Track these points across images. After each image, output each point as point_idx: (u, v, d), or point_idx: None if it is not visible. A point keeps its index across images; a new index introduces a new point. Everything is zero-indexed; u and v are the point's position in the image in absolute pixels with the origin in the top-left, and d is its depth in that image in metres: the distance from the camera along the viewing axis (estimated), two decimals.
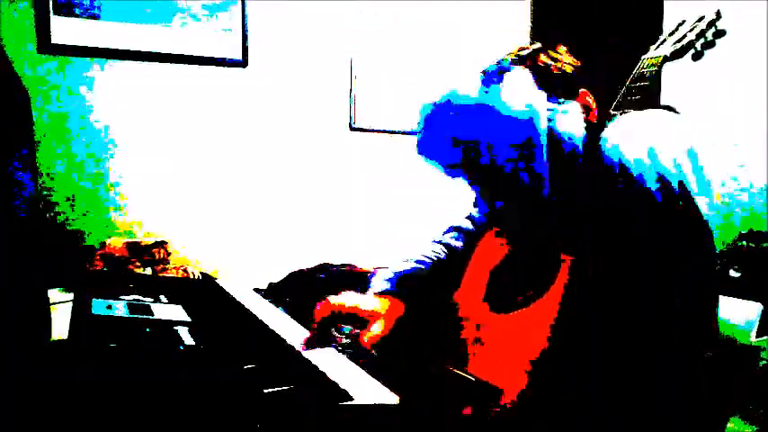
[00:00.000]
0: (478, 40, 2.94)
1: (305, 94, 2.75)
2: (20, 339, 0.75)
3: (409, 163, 2.88)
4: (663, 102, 1.02)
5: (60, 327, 0.97)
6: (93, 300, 1.02)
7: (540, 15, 3.02)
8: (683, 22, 1.08)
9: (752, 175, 2.52)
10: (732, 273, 2.22)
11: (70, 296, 1.16)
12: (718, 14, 1.05)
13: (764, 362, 1.68)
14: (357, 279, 1.26)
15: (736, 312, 1.59)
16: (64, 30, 2.36)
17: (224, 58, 2.59)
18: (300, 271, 2.55)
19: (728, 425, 1.14)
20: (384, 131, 2.86)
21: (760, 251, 2.29)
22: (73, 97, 2.41)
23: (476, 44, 2.93)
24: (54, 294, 1.25)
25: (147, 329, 0.89)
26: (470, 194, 1.21)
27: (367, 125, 2.84)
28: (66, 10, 2.36)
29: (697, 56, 1.05)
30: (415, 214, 2.87)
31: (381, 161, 2.87)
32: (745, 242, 2.33)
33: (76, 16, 2.37)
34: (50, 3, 2.33)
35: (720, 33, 1.02)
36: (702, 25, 1.05)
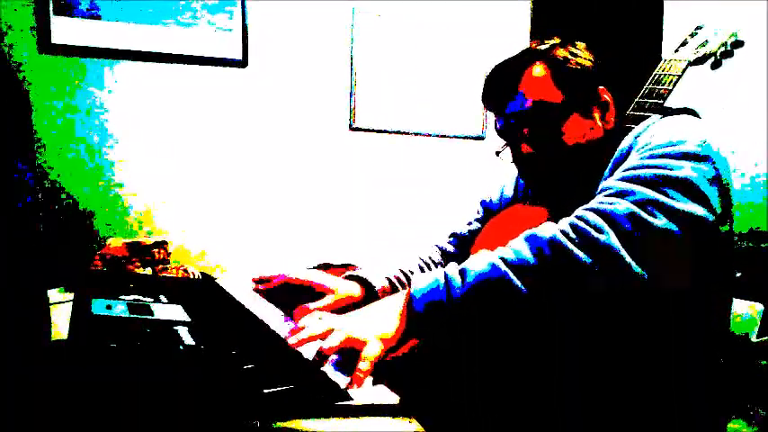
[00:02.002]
0: (479, 40, 2.94)
1: (305, 94, 2.75)
2: (20, 339, 0.75)
3: (409, 163, 2.89)
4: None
5: (60, 327, 0.97)
6: (93, 300, 1.02)
7: (540, 15, 3.02)
8: (702, 26, 1.07)
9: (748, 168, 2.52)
10: None
11: (70, 296, 1.16)
12: (739, 25, 1.04)
13: (765, 362, 1.68)
14: None
15: (736, 312, 1.59)
16: (64, 30, 2.36)
17: (224, 58, 2.59)
18: None
19: (728, 425, 1.14)
20: (384, 131, 2.86)
21: (760, 251, 2.29)
22: (73, 98, 2.41)
23: (476, 44, 2.93)
24: (54, 294, 1.25)
25: (147, 329, 0.89)
26: (466, 197, 1.22)
27: (367, 125, 2.84)
28: (66, 10, 2.36)
29: (716, 65, 1.04)
30: (414, 214, 2.87)
31: (381, 161, 2.87)
32: (745, 242, 2.33)
33: (77, 16, 2.37)
34: (50, 3, 2.33)
35: (739, 43, 1.02)
36: (724, 35, 1.03)
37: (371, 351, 0.80)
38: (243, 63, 2.63)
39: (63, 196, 2.41)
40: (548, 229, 0.82)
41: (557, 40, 1.08)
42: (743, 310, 1.58)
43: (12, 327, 0.75)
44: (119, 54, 2.45)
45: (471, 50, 2.92)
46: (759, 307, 1.59)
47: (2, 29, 2.30)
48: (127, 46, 2.45)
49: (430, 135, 2.91)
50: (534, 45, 1.09)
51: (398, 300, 0.87)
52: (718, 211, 0.84)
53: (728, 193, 0.88)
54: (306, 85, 2.75)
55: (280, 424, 0.63)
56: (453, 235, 1.33)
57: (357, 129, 2.83)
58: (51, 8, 2.33)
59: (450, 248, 1.32)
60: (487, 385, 0.88)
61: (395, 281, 1.23)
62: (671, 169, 0.83)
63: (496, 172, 1.27)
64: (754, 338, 1.56)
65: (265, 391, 0.69)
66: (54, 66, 2.38)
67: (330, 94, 2.79)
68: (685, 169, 0.83)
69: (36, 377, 0.68)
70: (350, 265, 2.63)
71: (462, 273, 0.84)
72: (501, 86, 1.07)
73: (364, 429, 0.67)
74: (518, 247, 0.82)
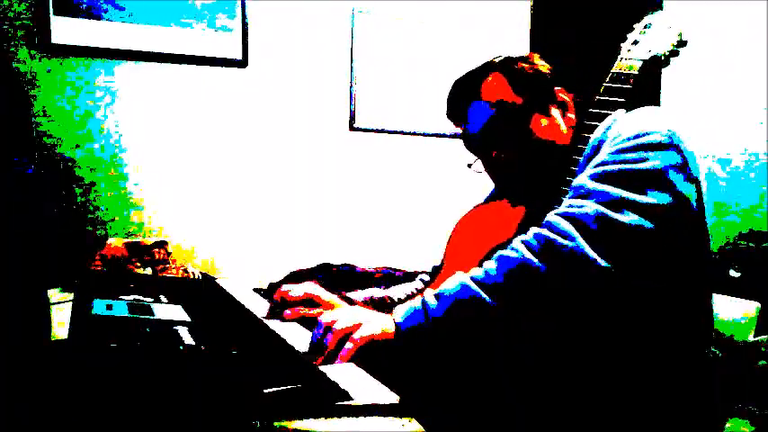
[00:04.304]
0: (479, 40, 2.94)
1: (305, 94, 2.75)
2: (20, 339, 0.76)
3: (409, 163, 2.89)
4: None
5: (60, 327, 0.97)
6: (94, 300, 1.02)
7: (541, 15, 3.02)
8: (650, 24, 1.10)
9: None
10: (732, 273, 2.22)
11: (70, 296, 1.16)
12: (684, 25, 1.07)
13: (764, 362, 1.68)
14: (357, 279, 1.29)
15: (735, 312, 1.59)
16: (64, 30, 2.36)
17: (224, 58, 2.59)
18: (300, 271, 2.55)
19: (728, 425, 1.14)
20: (384, 131, 2.86)
21: (760, 251, 2.29)
22: (73, 98, 2.41)
23: (476, 44, 2.93)
24: (54, 294, 1.25)
25: (148, 329, 0.89)
26: (466, 197, 1.25)
27: (367, 125, 2.84)
28: (66, 10, 2.36)
29: (665, 63, 1.08)
30: (414, 214, 2.87)
31: (381, 161, 2.87)
32: (744, 242, 2.33)
33: (77, 16, 2.37)
34: (50, 3, 2.33)
35: (683, 43, 1.05)
36: (672, 35, 1.05)
37: (362, 332, 0.85)
38: (243, 63, 2.63)
39: (62, 196, 2.40)
40: (515, 246, 0.87)
41: (510, 55, 1.18)
42: (740, 309, 1.59)
43: (12, 327, 0.75)
44: (119, 54, 2.45)
45: (471, 50, 2.92)
46: (757, 306, 1.59)
47: (2, 28, 2.30)
48: (127, 46, 2.45)
49: (430, 135, 2.91)
50: (491, 59, 1.19)
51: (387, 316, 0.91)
52: (687, 196, 0.86)
53: (697, 180, 0.90)
54: (306, 85, 2.75)
55: (280, 424, 0.63)
56: (433, 267, 1.38)
57: (357, 129, 2.83)
58: (51, 8, 2.33)
59: (428, 278, 1.37)
60: (480, 387, 0.88)
61: (377, 301, 1.26)
62: (637, 162, 0.86)
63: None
64: (751, 338, 1.56)
65: (265, 391, 0.69)
66: (54, 66, 2.38)
67: (330, 94, 2.79)
68: (651, 160, 0.86)
69: (36, 377, 0.69)
70: (349, 265, 2.64)
71: (437, 296, 0.89)
72: (463, 99, 1.16)
73: (364, 429, 0.67)
74: (489, 268, 0.87)
